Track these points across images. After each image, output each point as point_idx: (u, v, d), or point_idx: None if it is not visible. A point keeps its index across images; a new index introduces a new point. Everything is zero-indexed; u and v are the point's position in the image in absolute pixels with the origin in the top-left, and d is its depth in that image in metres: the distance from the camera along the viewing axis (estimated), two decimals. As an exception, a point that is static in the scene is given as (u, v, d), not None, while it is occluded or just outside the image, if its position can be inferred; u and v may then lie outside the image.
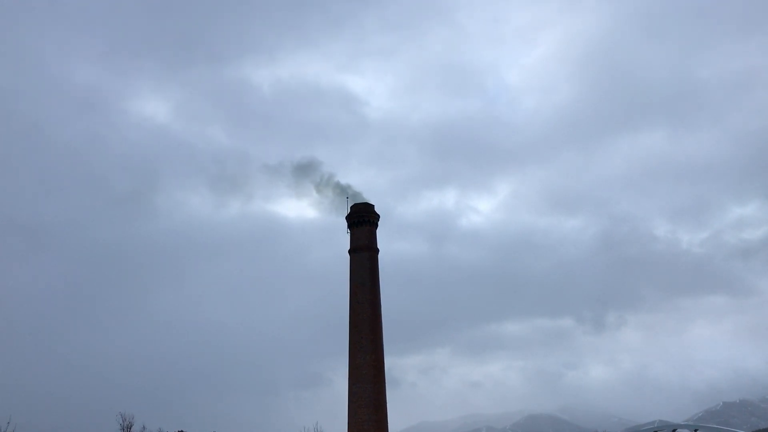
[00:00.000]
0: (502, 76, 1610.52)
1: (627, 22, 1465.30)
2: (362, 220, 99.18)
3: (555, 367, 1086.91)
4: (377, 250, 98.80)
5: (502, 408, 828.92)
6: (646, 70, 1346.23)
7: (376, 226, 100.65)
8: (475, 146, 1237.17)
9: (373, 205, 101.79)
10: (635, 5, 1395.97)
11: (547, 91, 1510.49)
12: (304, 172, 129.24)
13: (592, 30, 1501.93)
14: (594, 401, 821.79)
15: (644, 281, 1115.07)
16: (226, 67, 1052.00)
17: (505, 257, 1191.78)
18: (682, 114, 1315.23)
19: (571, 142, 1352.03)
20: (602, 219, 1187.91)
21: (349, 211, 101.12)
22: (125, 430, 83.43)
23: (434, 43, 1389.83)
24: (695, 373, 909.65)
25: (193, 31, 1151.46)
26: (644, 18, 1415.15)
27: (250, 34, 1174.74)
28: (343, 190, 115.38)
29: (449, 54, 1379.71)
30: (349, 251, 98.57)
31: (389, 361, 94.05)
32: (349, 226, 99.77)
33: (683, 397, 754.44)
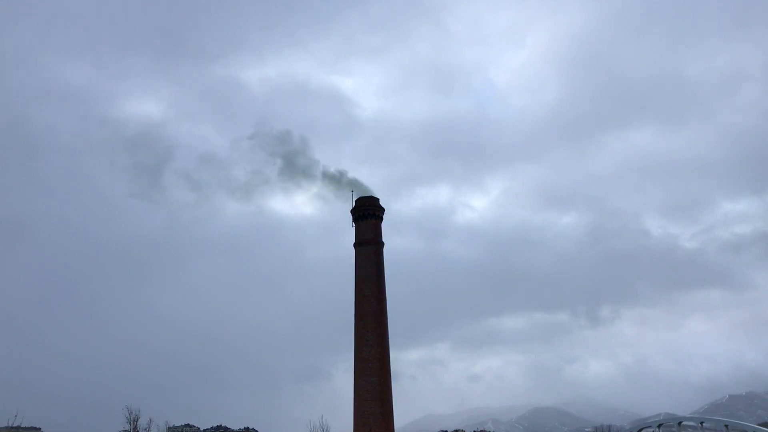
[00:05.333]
0: (489, 76, 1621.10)
1: (613, 21, 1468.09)
2: (367, 213, 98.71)
3: (554, 361, 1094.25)
4: (382, 244, 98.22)
5: (506, 402, 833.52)
6: (633, 68, 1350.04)
7: (381, 219, 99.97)
8: (465, 144, 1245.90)
9: (378, 199, 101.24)
10: (621, 4, 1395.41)
11: (535, 90, 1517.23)
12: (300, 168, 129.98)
13: (579, 29, 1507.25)
14: (596, 395, 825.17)
15: (639, 276, 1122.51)
16: (215, 65, 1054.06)
17: (501, 253, 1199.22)
18: (671, 110, 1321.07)
19: (561, 140, 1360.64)
20: (595, 215, 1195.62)
21: (354, 204, 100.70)
22: (132, 423, 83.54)
23: (420, 44, 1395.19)
24: (694, 367, 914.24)
25: (181, 30, 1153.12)
26: (630, 16, 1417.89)
27: (236, 32, 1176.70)
28: (341, 179, 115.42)
29: (436, 54, 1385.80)
30: (355, 245, 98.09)
31: (391, 355, 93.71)
32: (354, 220, 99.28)
33: (685, 390, 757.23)
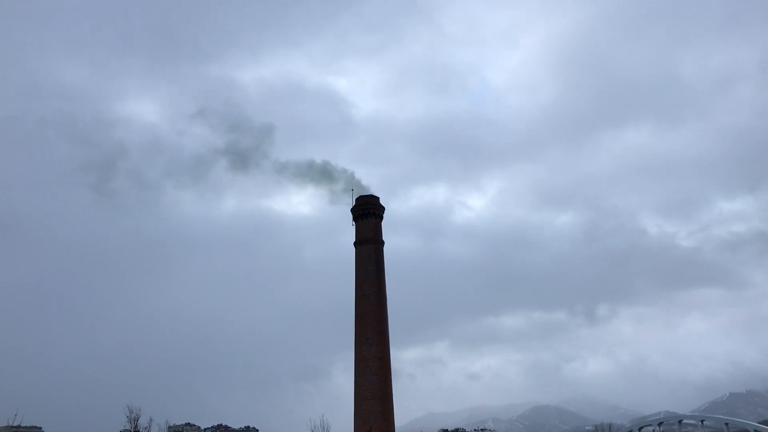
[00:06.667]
0: (485, 76, 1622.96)
1: (609, 21, 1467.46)
2: (367, 212, 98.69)
3: (553, 360, 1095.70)
4: (382, 243, 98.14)
5: (505, 400, 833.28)
6: (629, 67, 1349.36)
7: (381, 218, 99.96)
8: (462, 144, 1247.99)
9: (378, 198, 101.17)
10: (617, 3, 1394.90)
11: (531, 90, 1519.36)
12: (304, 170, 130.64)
13: (574, 29, 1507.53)
14: (595, 393, 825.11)
15: (636, 275, 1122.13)
16: (210, 65, 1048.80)
17: (499, 252, 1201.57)
18: (667, 110, 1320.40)
19: (557, 139, 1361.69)
20: (592, 214, 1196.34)
21: (354, 203, 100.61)
22: (132, 422, 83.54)
23: (415, 44, 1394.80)
24: (692, 365, 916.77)
25: (176, 29, 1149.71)
26: (626, 16, 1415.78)
27: (231, 32, 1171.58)
28: (343, 176, 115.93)
29: (432, 55, 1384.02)
30: (355, 243, 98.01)
31: (390, 354, 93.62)
32: (355, 219, 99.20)
33: (683, 389, 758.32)
